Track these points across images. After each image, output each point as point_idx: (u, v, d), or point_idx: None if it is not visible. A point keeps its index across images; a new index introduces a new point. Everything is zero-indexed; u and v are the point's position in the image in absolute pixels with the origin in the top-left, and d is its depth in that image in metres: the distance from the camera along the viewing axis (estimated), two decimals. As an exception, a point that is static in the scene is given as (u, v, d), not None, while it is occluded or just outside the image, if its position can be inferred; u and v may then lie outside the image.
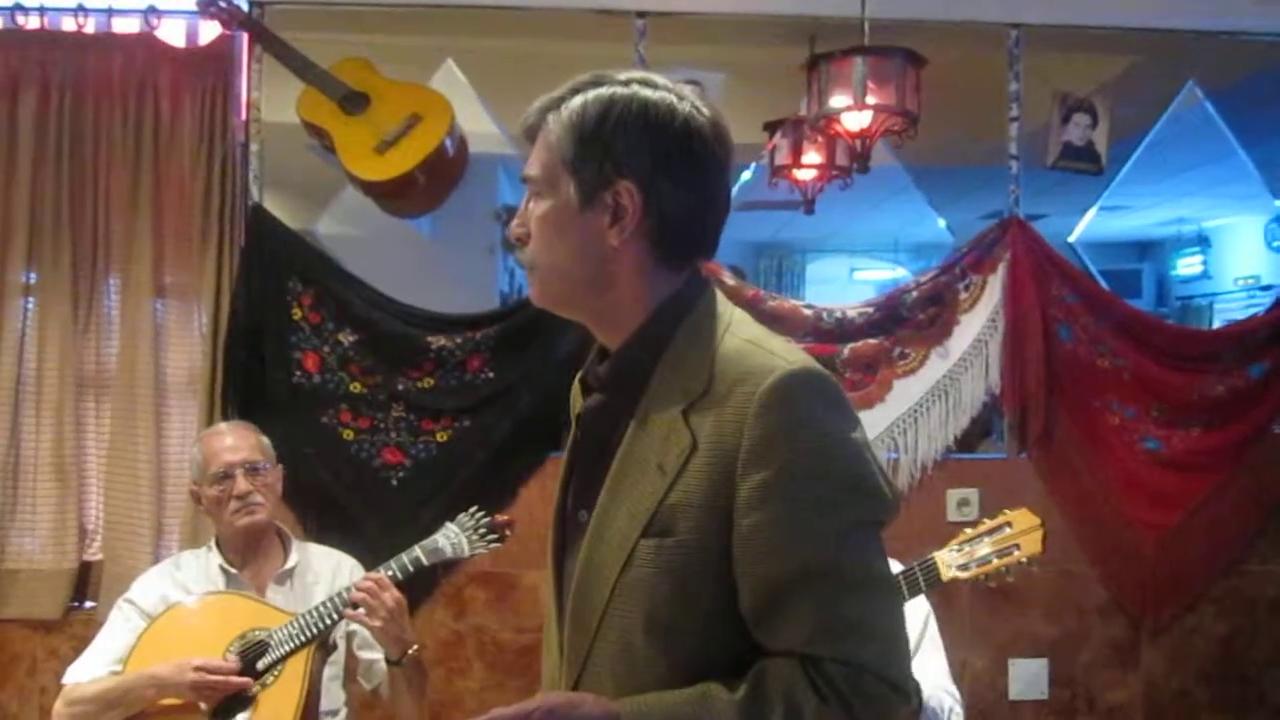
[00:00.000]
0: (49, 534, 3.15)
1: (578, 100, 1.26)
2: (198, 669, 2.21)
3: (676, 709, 1.18)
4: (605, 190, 1.25)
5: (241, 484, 2.45)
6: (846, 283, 5.87)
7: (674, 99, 1.26)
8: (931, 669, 2.12)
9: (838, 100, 2.90)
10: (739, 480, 1.17)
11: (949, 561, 2.10)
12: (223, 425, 2.66)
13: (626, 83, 1.27)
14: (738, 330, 1.26)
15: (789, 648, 1.18)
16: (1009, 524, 2.10)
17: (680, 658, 1.21)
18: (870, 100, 2.85)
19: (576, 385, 1.40)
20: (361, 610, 2.22)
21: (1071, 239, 3.48)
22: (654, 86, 1.27)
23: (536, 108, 1.29)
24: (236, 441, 2.52)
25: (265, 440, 2.58)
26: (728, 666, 1.20)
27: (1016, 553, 2.07)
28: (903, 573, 2.10)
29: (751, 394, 1.18)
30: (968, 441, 3.30)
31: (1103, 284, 3.33)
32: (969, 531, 2.13)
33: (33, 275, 3.19)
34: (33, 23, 3.22)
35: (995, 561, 2.08)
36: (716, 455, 1.19)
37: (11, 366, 3.15)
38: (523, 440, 3.11)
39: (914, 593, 2.09)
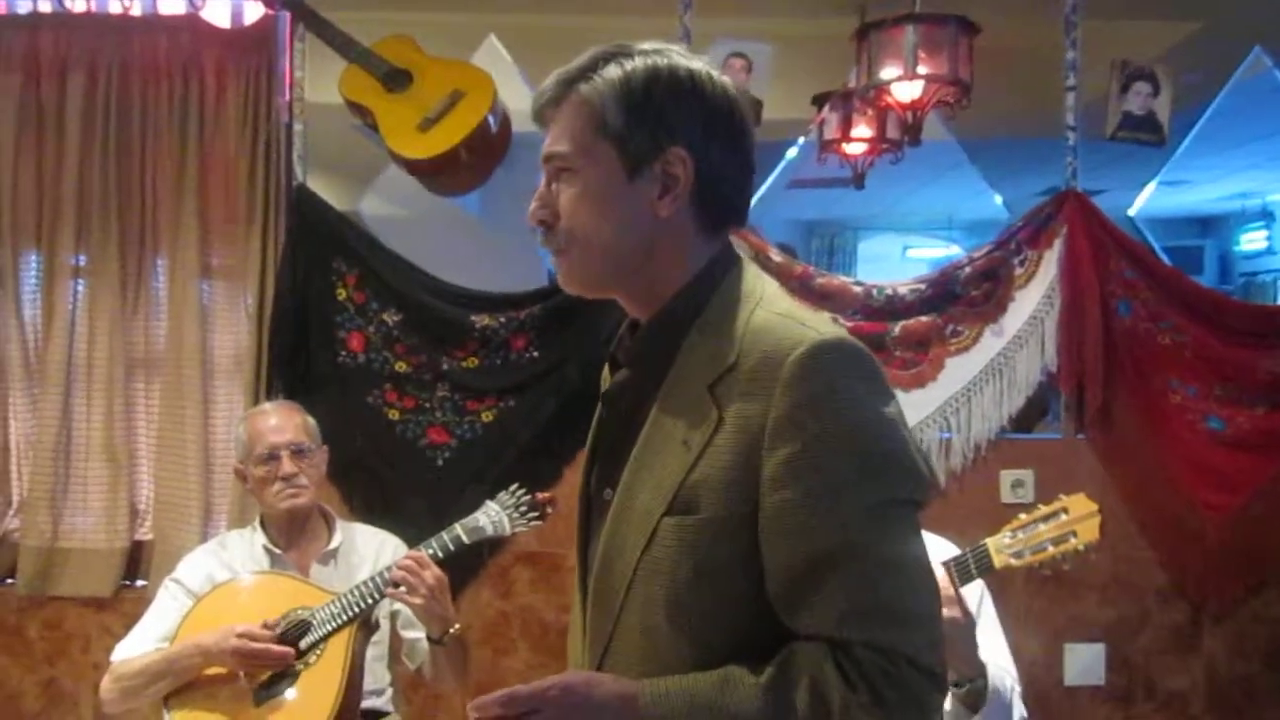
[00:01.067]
0: (101, 514, 3.18)
1: (615, 69, 1.23)
2: (240, 636, 2.22)
3: (697, 691, 1.14)
4: (655, 159, 1.22)
5: (287, 465, 2.45)
6: (899, 261, 5.77)
7: (708, 67, 1.25)
8: (991, 648, 2.07)
9: (888, 71, 2.83)
10: (765, 455, 1.13)
11: (1002, 548, 2.02)
12: (268, 405, 2.67)
13: (655, 52, 1.24)
14: (769, 304, 1.22)
15: (817, 631, 1.13)
16: (1065, 510, 2.02)
17: (704, 640, 1.17)
18: (921, 70, 2.79)
19: (607, 365, 1.36)
20: (402, 589, 2.21)
21: (1131, 212, 3.38)
22: (684, 56, 1.25)
23: (557, 80, 1.25)
24: (282, 422, 2.52)
25: (311, 421, 2.58)
26: (754, 651, 1.16)
27: (1073, 540, 1.99)
28: (954, 560, 2.04)
29: (780, 365, 1.13)
30: (1025, 421, 3.22)
31: (1164, 258, 3.23)
32: (1023, 517, 2.05)
33: (82, 258, 3.22)
34: (79, 6, 3.24)
35: (1051, 550, 2.00)
36: (742, 430, 1.14)
37: (63, 348, 3.18)
38: (568, 419, 3.08)
39: (965, 580, 2.02)
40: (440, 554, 2.28)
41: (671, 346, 1.23)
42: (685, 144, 1.22)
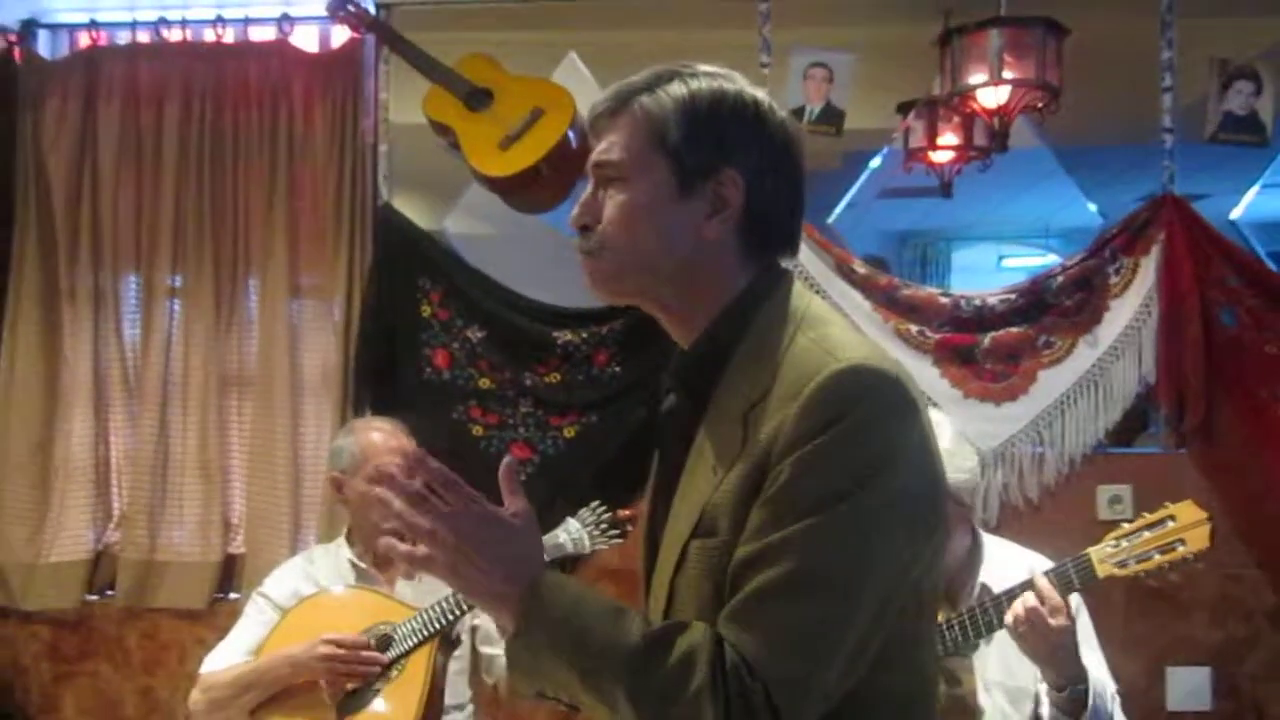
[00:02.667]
0: (195, 528, 3.27)
1: (680, 86, 1.23)
2: (327, 642, 2.25)
3: (590, 606, 1.14)
4: (709, 179, 1.22)
5: None
6: (994, 271, 5.64)
7: (770, 99, 1.26)
8: (1089, 661, 2.02)
9: (973, 76, 2.77)
10: (766, 483, 1.12)
11: (1105, 557, 1.97)
12: (384, 425, 2.62)
13: (721, 75, 1.25)
14: (808, 328, 1.20)
15: (722, 625, 1.12)
16: (1172, 518, 1.96)
17: None
18: (1007, 75, 2.72)
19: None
20: None
21: (1234, 216, 3.24)
22: (748, 84, 1.26)
23: (616, 92, 1.25)
24: (401, 446, 2.51)
25: (417, 446, 2.59)
26: None
27: (1181, 549, 1.94)
28: (1054, 570, 2.00)
29: (797, 393, 1.12)
30: (1124, 436, 3.12)
31: (1270, 265, 3.10)
32: (1126, 526, 2.00)
33: (178, 279, 3.32)
34: (175, 35, 3.36)
35: (1157, 558, 1.95)
36: (758, 455, 1.13)
37: (160, 367, 3.29)
38: (650, 435, 3.07)
39: (1066, 591, 1.97)
40: None
41: (714, 372, 1.23)
42: (740, 168, 1.22)
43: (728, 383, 1.22)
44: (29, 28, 3.44)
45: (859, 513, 1.09)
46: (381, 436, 2.55)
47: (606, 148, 1.25)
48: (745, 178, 1.22)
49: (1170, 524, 1.96)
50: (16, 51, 3.39)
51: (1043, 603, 1.91)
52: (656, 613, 1.22)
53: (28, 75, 3.37)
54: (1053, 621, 1.90)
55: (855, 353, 1.15)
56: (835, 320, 1.23)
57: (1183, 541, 1.94)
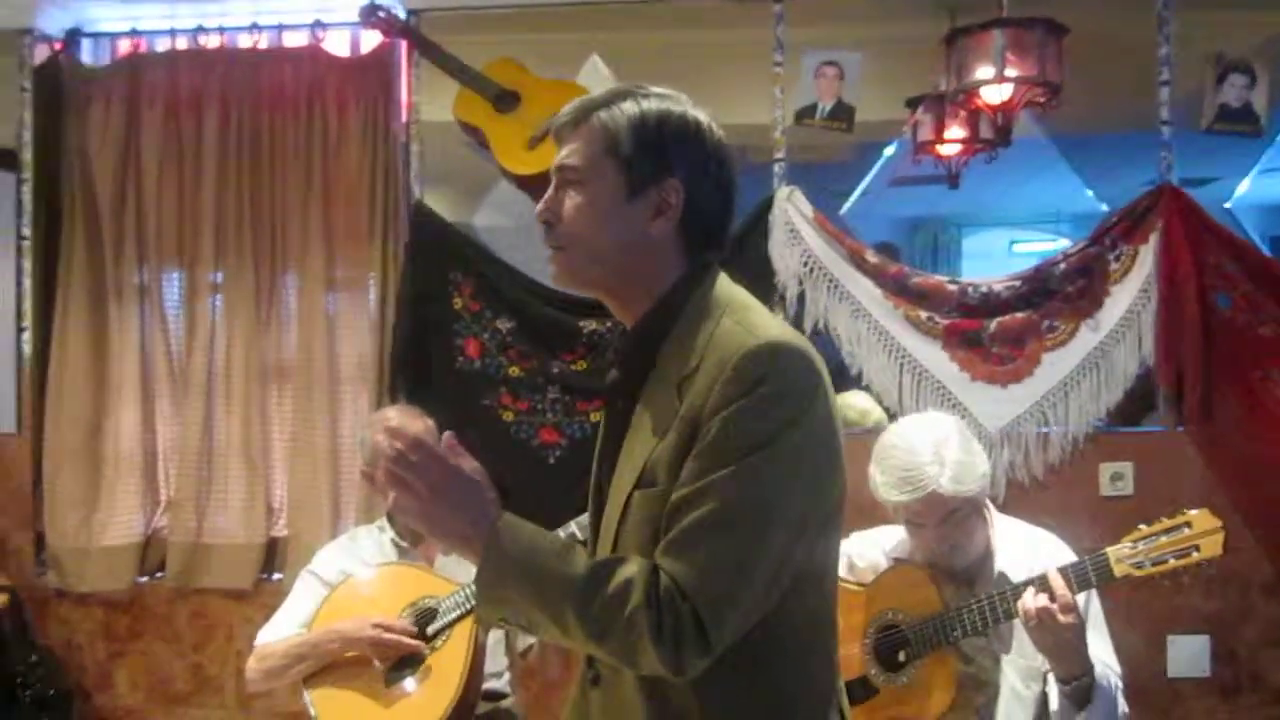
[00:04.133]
0: (240, 512, 3.42)
1: (633, 104, 1.43)
2: (376, 626, 2.40)
3: (541, 544, 1.34)
4: (654, 186, 1.42)
5: None
6: (1006, 256, 5.68)
7: (709, 118, 1.46)
8: (1097, 648, 2.12)
9: (977, 74, 2.89)
10: (698, 438, 1.32)
11: (1123, 557, 2.05)
12: (392, 411, 2.81)
13: (669, 96, 1.45)
14: (732, 312, 1.40)
15: (658, 557, 1.32)
16: (1188, 524, 2.03)
17: None
18: (1010, 73, 2.84)
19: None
20: None
21: (1228, 204, 3.36)
22: (692, 104, 1.46)
23: (579, 106, 1.44)
24: (407, 428, 2.68)
25: (431, 424, 2.74)
26: None
27: (1195, 554, 2.01)
28: (1072, 566, 2.08)
29: (723, 366, 1.32)
30: (1131, 417, 3.24)
31: (1265, 250, 3.22)
32: (1144, 529, 2.07)
33: (220, 275, 3.47)
34: (213, 42, 3.49)
35: (1172, 562, 2.02)
36: (690, 418, 1.33)
37: (203, 360, 3.44)
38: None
39: (1083, 587, 2.06)
40: None
41: (651, 350, 1.43)
42: (681, 177, 1.42)
43: (663, 357, 1.42)
44: (73, 36, 3.58)
45: (772, 461, 1.30)
46: (395, 426, 2.69)
47: (568, 154, 1.44)
48: (685, 185, 1.42)
49: (1186, 530, 2.02)
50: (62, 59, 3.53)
51: (1053, 600, 1.99)
52: (604, 555, 1.41)
53: (73, 82, 3.51)
54: (1062, 619, 1.98)
55: (772, 332, 1.35)
56: (755, 306, 1.43)
57: (1197, 548, 2.01)
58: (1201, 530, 2.02)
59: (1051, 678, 2.11)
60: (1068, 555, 2.18)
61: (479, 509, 1.35)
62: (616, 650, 1.31)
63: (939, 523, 2.17)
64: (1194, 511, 2.04)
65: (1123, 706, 2.13)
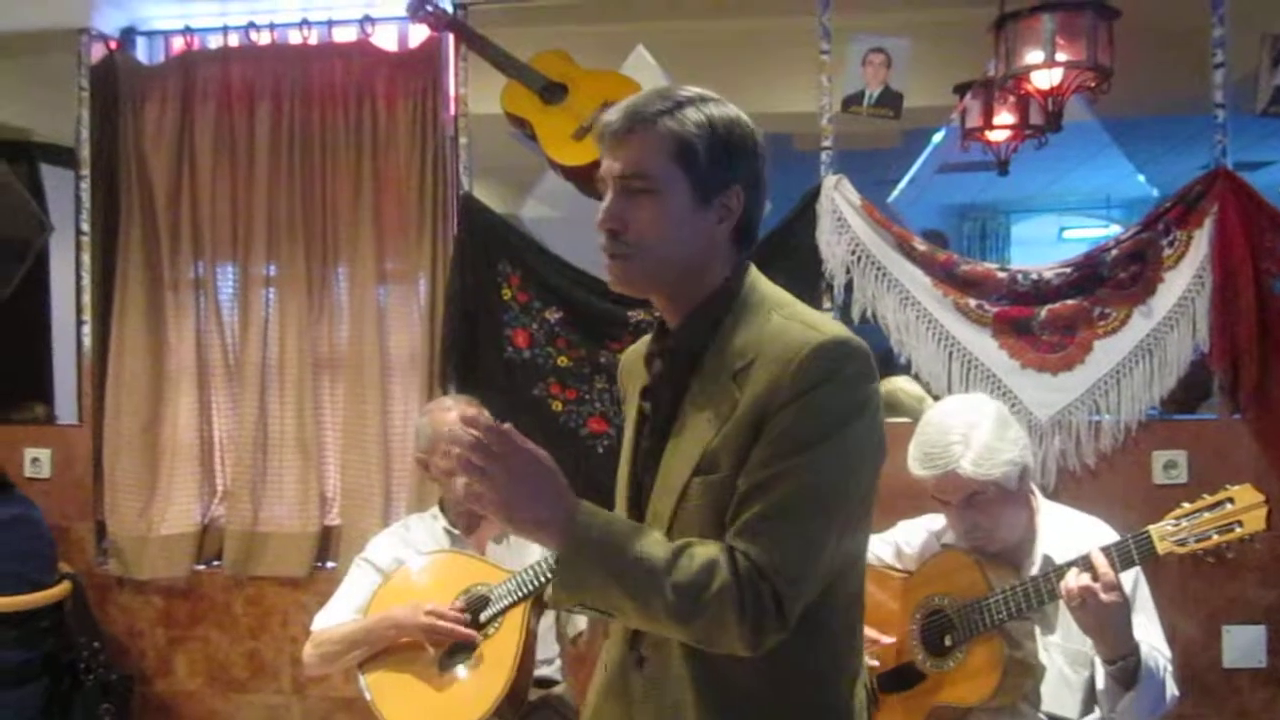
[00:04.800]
0: (294, 501, 3.48)
1: (696, 112, 1.45)
2: (429, 613, 2.44)
3: (618, 527, 1.39)
4: (720, 193, 1.46)
5: None
6: (1055, 243, 5.65)
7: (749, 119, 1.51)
8: (1146, 632, 2.12)
9: (1027, 59, 2.86)
10: (767, 428, 1.38)
11: (1165, 535, 2.05)
12: (450, 401, 2.85)
13: (719, 101, 1.49)
14: (778, 307, 1.48)
15: (731, 539, 1.38)
16: (1230, 500, 2.03)
17: None
18: (1060, 57, 2.81)
19: (630, 361, 1.63)
20: None
21: (1286, 188, 3.31)
22: (737, 108, 1.51)
23: (635, 113, 1.46)
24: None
25: (487, 414, 2.77)
26: None
27: (1238, 530, 2.01)
28: (1115, 545, 2.08)
29: (790, 361, 1.38)
30: (1187, 405, 3.20)
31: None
32: (1186, 506, 2.07)
33: (273, 268, 3.52)
34: (264, 39, 3.55)
35: (1215, 538, 2.02)
36: (754, 410, 1.39)
37: (258, 352, 3.50)
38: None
39: (1126, 565, 2.06)
40: None
41: (703, 343, 1.48)
42: (742, 184, 1.48)
43: (715, 350, 1.46)
44: (128, 35, 3.66)
45: (838, 451, 1.38)
46: (450, 414, 2.73)
47: (631, 163, 1.45)
48: (744, 191, 1.48)
49: (1229, 506, 2.02)
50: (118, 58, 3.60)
51: (1096, 579, 2.00)
52: (671, 532, 1.44)
53: (128, 79, 3.58)
54: (1105, 597, 1.98)
55: (834, 328, 1.43)
56: (796, 302, 1.51)
57: (1240, 523, 2.00)
58: (1244, 505, 2.01)
59: (1098, 659, 2.11)
60: (1113, 539, 2.17)
61: (556, 495, 1.37)
62: (702, 629, 1.36)
63: (961, 504, 2.20)
64: (1236, 487, 2.04)
65: (1173, 689, 2.12)
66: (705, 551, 1.36)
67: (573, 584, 1.38)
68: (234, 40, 3.57)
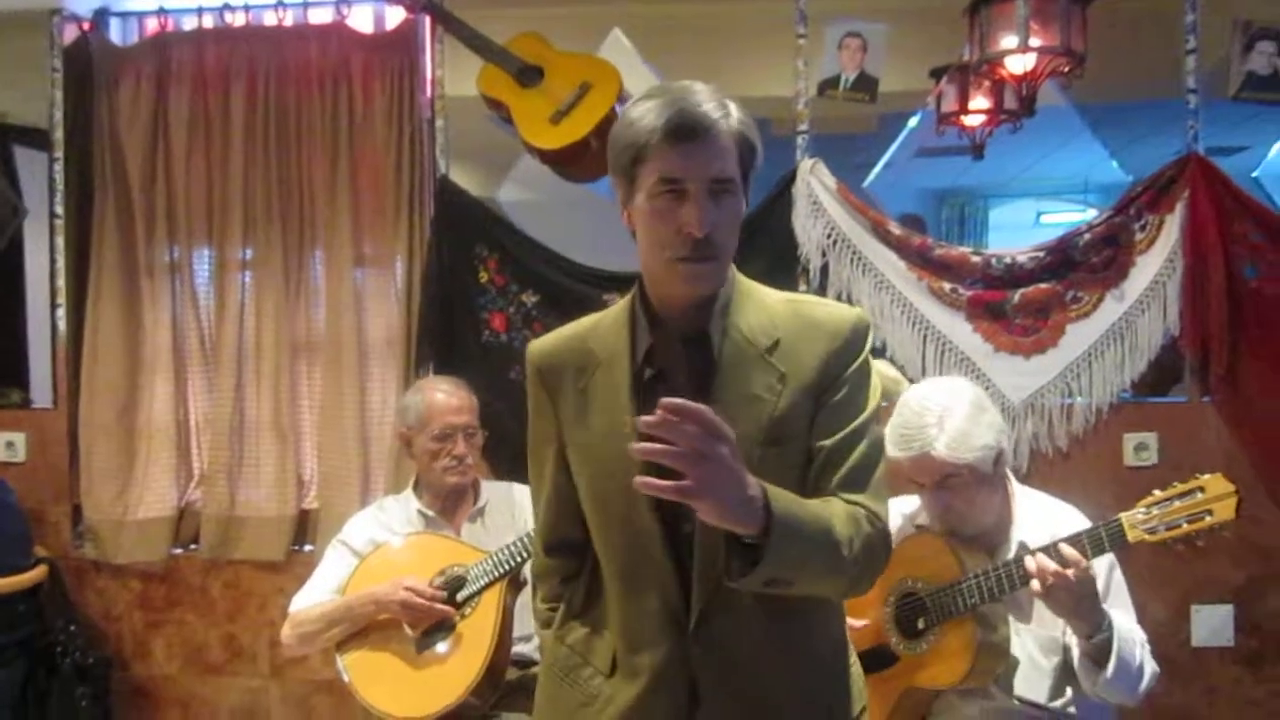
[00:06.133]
0: (271, 485, 3.48)
1: (739, 111, 1.49)
2: (407, 589, 2.45)
3: (796, 498, 1.43)
4: (747, 191, 1.52)
5: (461, 446, 2.68)
6: (1032, 227, 5.67)
7: None
8: (1119, 616, 2.13)
9: (1001, 44, 2.88)
10: (821, 397, 1.52)
11: (1136, 523, 2.07)
12: (446, 384, 2.83)
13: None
14: (769, 293, 1.60)
15: (837, 491, 1.50)
16: (1201, 489, 2.05)
17: None
18: (1034, 42, 2.83)
19: (558, 357, 1.62)
20: None
21: (1255, 174, 3.34)
22: None
23: (710, 115, 1.44)
24: (461, 404, 2.74)
25: (477, 402, 2.79)
26: None
27: (1208, 518, 2.02)
28: (1086, 532, 2.10)
29: (836, 337, 1.53)
30: (1159, 388, 3.24)
31: (1290, 218, 3.19)
32: (1157, 494, 2.09)
33: (249, 252, 3.51)
34: (239, 20, 3.52)
35: (1185, 526, 2.04)
36: (809, 381, 1.51)
37: (234, 335, 3.49)
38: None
39: (1097, 552, 2.08)
40: None
41: (717, 326, 1.53)
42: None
43: (722, 332, 1.52)
44: (101, 16, 3.61)
45: (874, 419, 1.56)
46: (444, 396, 2.75)
47: (723, 167, 1.45)
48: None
49: (1199, 495, 2.04)
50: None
51: (1065, 564, 2.01)
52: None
53: (102, 61, 3.55)
54: (1072, 577, 2.00)
55: (849, 309, 1.60)
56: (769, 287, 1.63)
57: (1210, 512, 2.02)
58: (1215, 495, 2.03)
59: (1073, 646, 2.13)
60: (1086, 526, 2.19)
61: (752, 489, 1.35)
62: (866, 580, 1.51)
63: (935, 486, 2.21)
64: (1207, 476, 2.05)
65: (1152, 666, 2.15)
66: (842, 507, 1.47)
67: (776, 559, 1.35)
68: (209, 21, 3.53)
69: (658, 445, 1.28)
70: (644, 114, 1.44)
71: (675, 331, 1.52)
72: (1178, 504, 2.05)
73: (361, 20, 3.53)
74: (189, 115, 3.49)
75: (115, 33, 3.67)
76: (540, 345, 1.67)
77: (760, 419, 1.48)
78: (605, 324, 1.61)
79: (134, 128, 3.51)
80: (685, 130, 1.42)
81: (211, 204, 3.50)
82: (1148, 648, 2.16)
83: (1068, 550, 2.04)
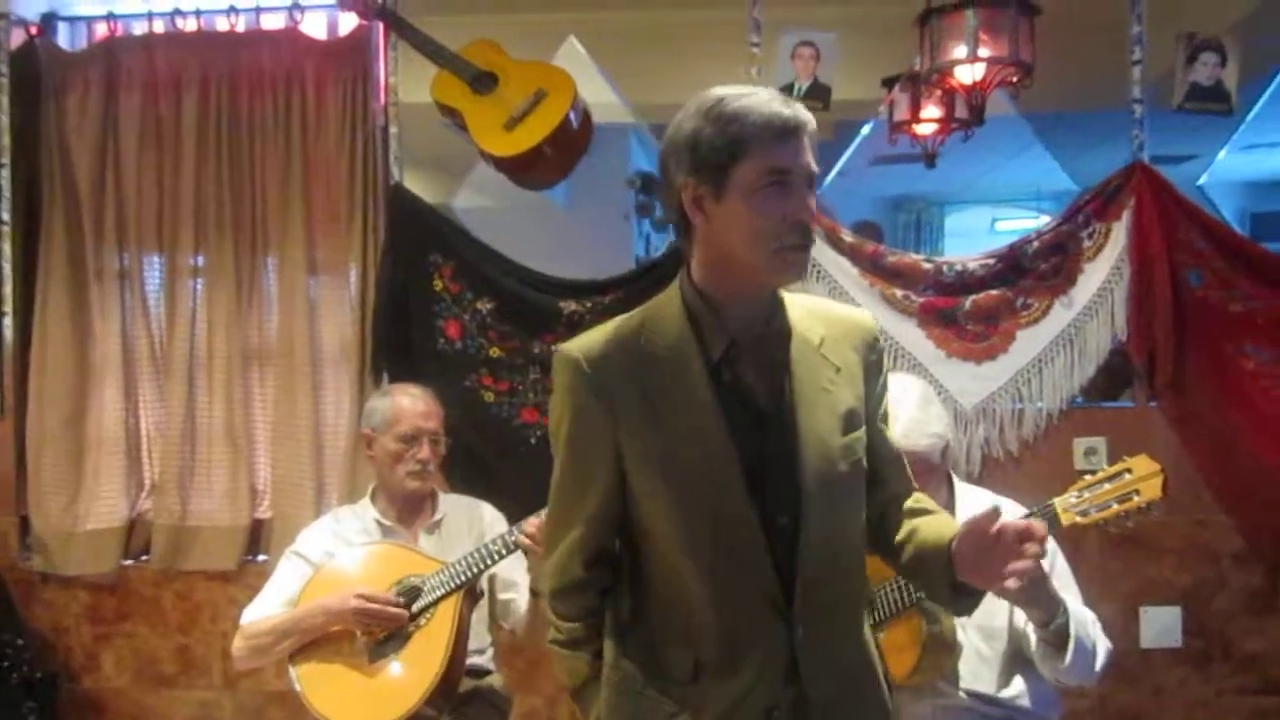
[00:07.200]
0: (224, 495, 3.44)
1: None
2: (359, 596, 2.43)
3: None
4: None
5: (426, 451, 2.66)
6: (987, 234, 5.74)
7: None
8: (1069, 599, 2.18)
9: (951, 54, 2.92)
10: (867, 387, 1.65)
11: (1068, 506, 2.13)
12: (414, 389, 2.81)
13: None
14: (783, 293, 1.65)
15: (900, 495, 1.71)
16: (1129, 470, 2.11)
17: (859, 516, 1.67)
18: (983, 53, 2.87)
19: (613, 359, 1.59)
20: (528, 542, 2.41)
21: (1200, 182, 3.41)
22: None
23: (809, 114, 1.54)
24: (429, 409, 2.72)
25: (443, 412, 2.78)
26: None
27: (1136, 498, 2.08)
28: (1021, 518, 2.14)
29: (863, 333, 1.66)
30: (1109, 393, 3.29)
31: (1236, 227, 3.26)
32: (1088, 478, 2.15)
33: (200, 259, 3.47)
34: (190, 25, 3.49)
35: (1115, 507, 2.09)
36: (852, 373, 1.63)
37: (185, 343, 3.44)
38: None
39: None
40: None
41: (782, 322, 1.60)
42: None
43: (794, 330, 1.60)
44: (49, 20, 3.56)
45: None
46: (411, 400, 2.74)
47: (812, 160, 1.54)
48: None
49: (1127, 476, 2.11)
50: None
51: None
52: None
53: (50, 66, 3.50)
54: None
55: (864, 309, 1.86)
56: None
57: (1138, 492, 2.09)
58: (1141, 475, 2.10)
59: (1031, 634, 2.18)
60: (1020, 511, 2.23)
61: None
62: None
63: None
64: (1134, 458, 2.12)
65: (1106, 643, 2.20)
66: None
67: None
68: (159, 26, 3.49)
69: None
70: (746, 110, 1.49)
71: (772, 326, 1.59)
72: (1107, 486, 2.12)
73: (315, 26, 3.50)
74: (139, 121, 3.45)
75: (63, 38, 3.62)
76: (588, 348, 1.61)
77: (835, 409, 1.59)
78: (654, 323, 1.60)
79: (83, 134, 3.47)
80: (795, 124, 1.50)
81: (162, 211, 3.46)
82: (1099, 625, 2.21)
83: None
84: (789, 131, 1.49)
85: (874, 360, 1.66)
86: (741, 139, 1.48)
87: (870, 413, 1.65)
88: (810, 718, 1.57)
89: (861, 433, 1.61)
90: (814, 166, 1.52)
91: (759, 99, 1.50)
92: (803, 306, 1.63)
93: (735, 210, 1.50)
